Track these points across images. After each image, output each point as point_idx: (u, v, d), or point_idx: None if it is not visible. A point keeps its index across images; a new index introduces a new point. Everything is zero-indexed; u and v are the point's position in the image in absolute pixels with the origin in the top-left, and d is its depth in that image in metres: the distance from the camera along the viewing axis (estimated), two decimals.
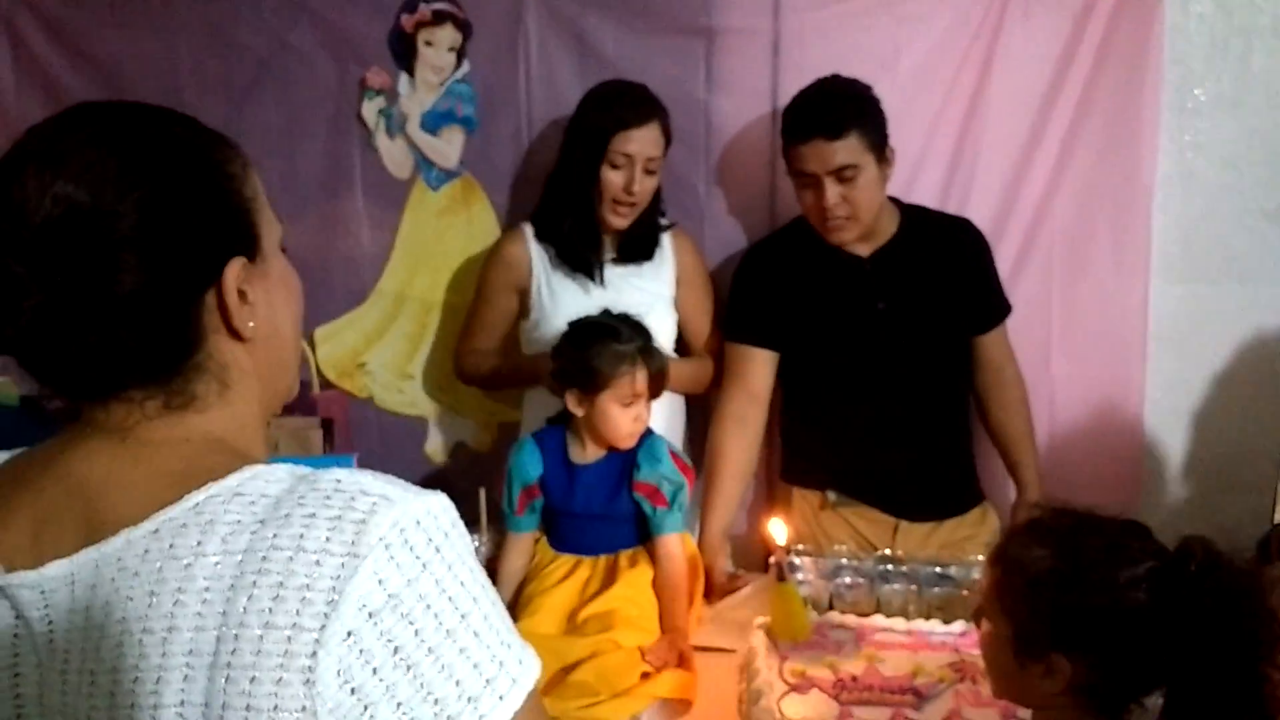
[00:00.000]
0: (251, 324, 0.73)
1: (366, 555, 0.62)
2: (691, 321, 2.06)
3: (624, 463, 1.71)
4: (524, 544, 1.74)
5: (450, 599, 0.64)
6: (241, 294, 0.72)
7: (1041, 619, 1.02)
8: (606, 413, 1.66)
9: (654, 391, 1.70)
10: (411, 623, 0.62)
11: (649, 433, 1.72)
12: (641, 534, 1.71)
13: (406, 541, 0.63)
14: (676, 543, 1.69)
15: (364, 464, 1.83)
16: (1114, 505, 1.99)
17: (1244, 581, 0.98)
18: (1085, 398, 2.12)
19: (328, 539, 0.62)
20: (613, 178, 1.89)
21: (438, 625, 0.63)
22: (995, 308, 2.03)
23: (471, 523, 1.77)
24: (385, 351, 2.29)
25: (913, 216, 1.99)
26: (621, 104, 1.90)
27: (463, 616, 0.64)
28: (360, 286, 2.28)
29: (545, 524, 1.76)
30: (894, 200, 1.98)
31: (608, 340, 1.67)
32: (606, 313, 1.76)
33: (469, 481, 1.85)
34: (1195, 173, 2.07)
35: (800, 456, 2.06)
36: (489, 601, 0.67)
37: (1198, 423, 2.13)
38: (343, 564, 0.62)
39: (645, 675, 1.51)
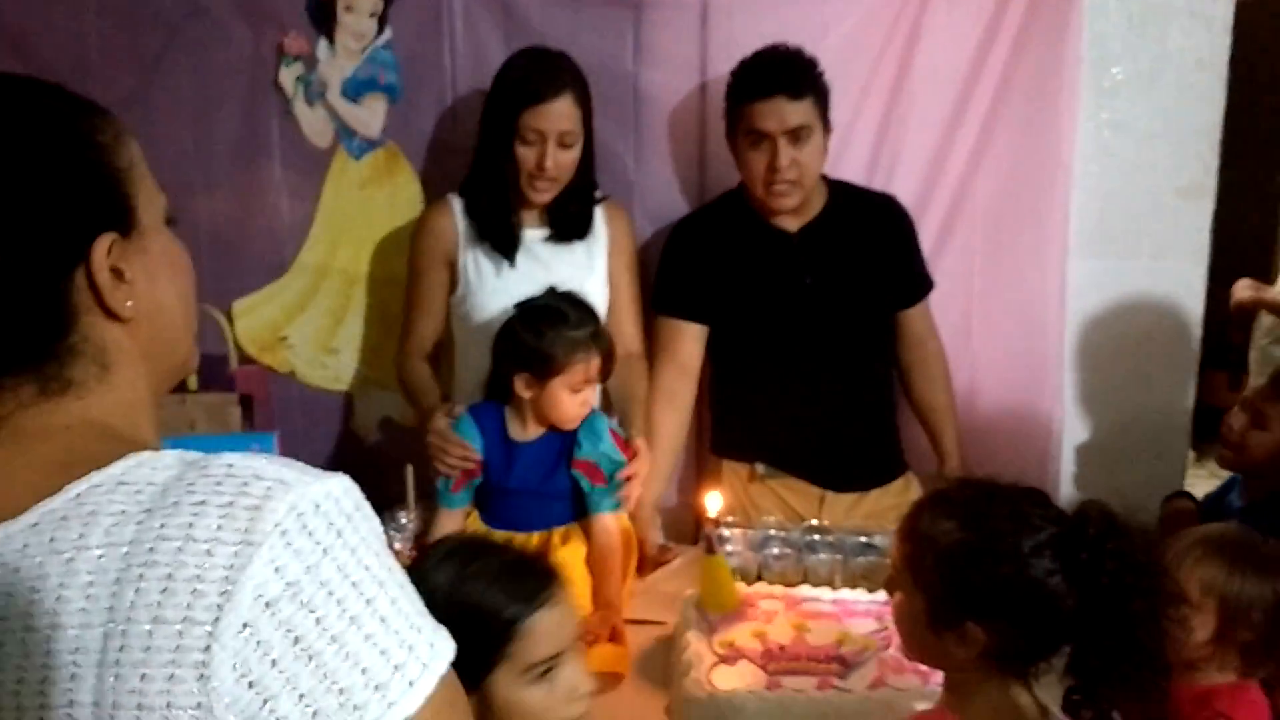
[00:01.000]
0: (130, 303, 0.70)
1: (261, 543, 0.59)
2: (612, 296, 2.02)
3: (564, 441, 1.71)
4: (455, 520, 1.73)
5: (354, 584, 0.61)
6: (117, 272, 0.69)
7: (953, 590, 1.05)
8: (556, 397, 1.66)
9: (604, 375, 1.70)
10: (312, 611, 0.60)
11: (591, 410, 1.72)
12: (576, 510, 1.72)
13: (305, 527, 0.61)
14: (612, 520, 1.70)
15: (286, 441, 1.81)
16: (1032, 476, 2.07)
17: (1139, 542, 1.03)
18: (1004, 370, 2.16)
19: (219, 527, 0.59)
20: (525, 154, 1.84)
21: (341, 612, 0.60)
22: (918, 283, 2.06)
23: (399, 499, 1.75)
24: (307, 326, 2.22)
25: (840, 192, 2.01)
26: (530, 78, 1.84)
27: (368, 602, 0.62)
28: (280, 259, 2.20)
29: (478, 500, 1.75)
30: (822, 176, 2.00)
31: (560, 326, 1.66)
32: (552, 292, 1.75)
33: (396, 455, 1.82)
34: (1113, 150, 2.12)
35: (730, 429, 2.08)
36: (396, 585, 0.64)
37: (1112, 394, 2.20)
38: (236, 553, 0.59)
39: None
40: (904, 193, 2.10)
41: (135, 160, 0.72)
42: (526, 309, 1.72)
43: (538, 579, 1.09)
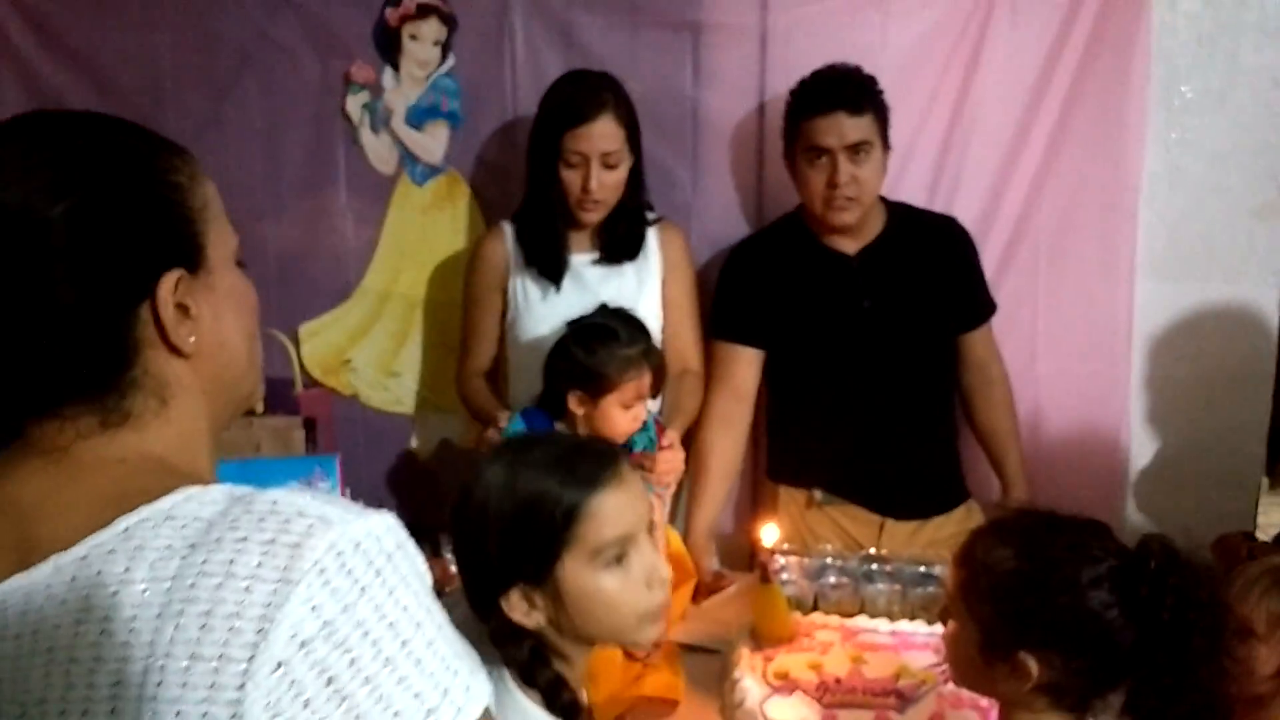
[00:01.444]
0: (192, 339, 0.71)
1: (299, 581, 0.59)
2: (671, 316, 2.02)
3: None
4: None
5: (391, 625, 0.62)
6: (183, 308, 0.70)
7: (1007, 619, 1.03)
8: (608, 414, 1.68)
9: (655, 391, 1.72)
10: (347, 651, 0.60)
11: None
12: None
13: (344, 565, 0.61)
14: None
15: (348, 463, 1.84)
16: (1099, 503, 2.02)
17: (1201, 578, 1.00)
18: (1070, 396, 2.12)
19: (259, 564, 0.60)
20: (570, 176, 1.86)
21: (376, 653, 0.61)
22: (980, 306, 2.03)
23: None
24: (370, 348, 2.28)
25: (899, 214, 1.99)
26: (570, 100, 1.86)
27: (404, 643, 0.62)
28: (344, 283, 2.26)
29: None
30: (880, 198, 1.98)
31: (611, 344, 1.68)
32: (604, 309, 1.77)
33: (455, 477, 1.84)
34: (1182, 170, 2.07)
35: (787, 455, 2.06)
36: (434, 626, 0.64)
37: (1182, 421, 2.13)
38: (274, 590, 0.59)
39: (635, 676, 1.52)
40: (966, 214, 2.07)
41: (209, 200, 0.74)
42: (579, 327, 1.74)
43: (597, 459, 1.04)
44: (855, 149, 1.84)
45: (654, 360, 1.71)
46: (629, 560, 1.03)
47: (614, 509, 1.02)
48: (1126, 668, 1.01)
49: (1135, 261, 2.07)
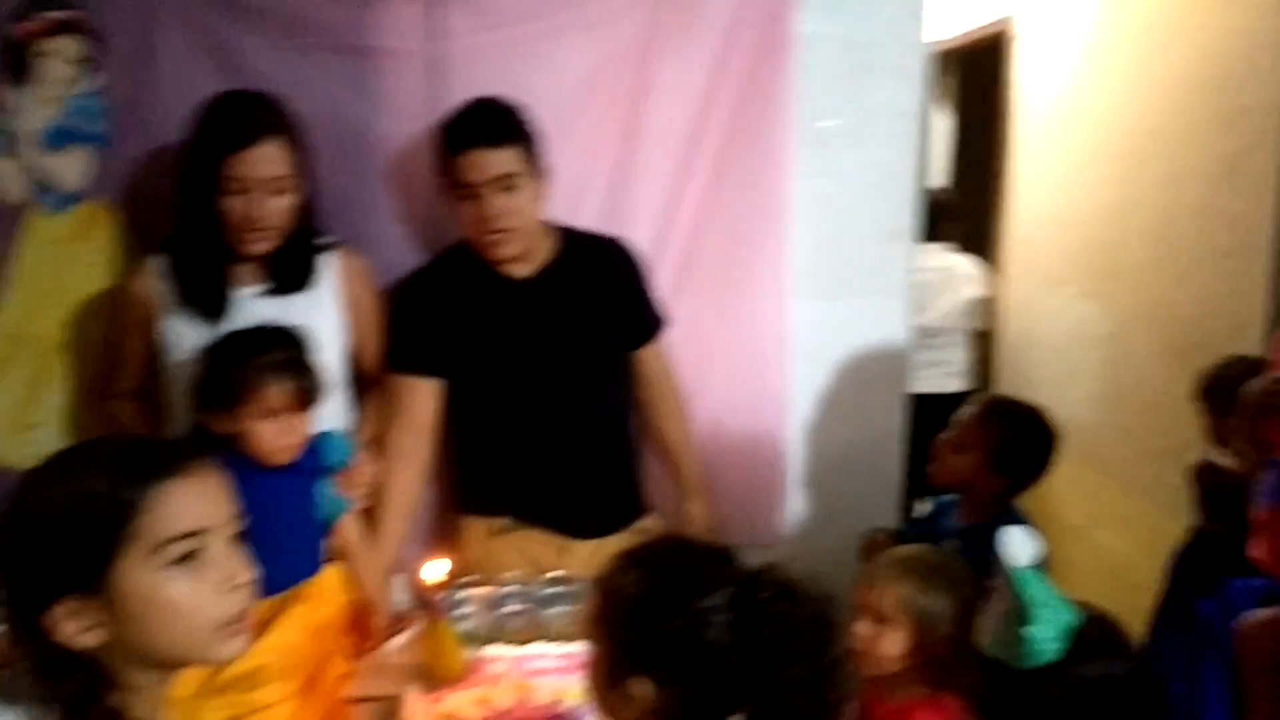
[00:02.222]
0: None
1: None
2: (364, 350, 1.98)
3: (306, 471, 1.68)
4: None
5: None
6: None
7: (624, 645, 1.06)
8: (254, 430, 1.60)
9: (303, 403, 1.63)
10: None
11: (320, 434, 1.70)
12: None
13: None
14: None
15: None
16: (762, 504, 2.16)
17: (814, 607, 1.05)
18: (737, 407, 2.26)
19: None
20: (232, 204, 1.74)
21: None
22: (649, 323, 2.12)
23: None
24: (3, 399, 2.03)
25: (570, 238, 2.04)
26: (228, 123, 1.75)
27: None
28: None
29: None
30: (553, 224, 2.02)
31: (239, 353, 1.60)
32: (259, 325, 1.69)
33: None
34: (826, 197, 2.27)
35: (474, 485, 2.05)
36: None
37: (834, 425, 2.34)
38: None
39: None
40: (641, 240, 2.16)
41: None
42: (214, 341, 1.66)
43: (163, 450, 0.95)
44: (500, 182, 1.85)
45: (297, 368, 1.63)
46: (201, 561, 0.91)
47: (180, 502, 0.91)
48: (738, 697, 1.03)
49: (787, 282, 2.24)
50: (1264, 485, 1.54)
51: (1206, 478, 2.05)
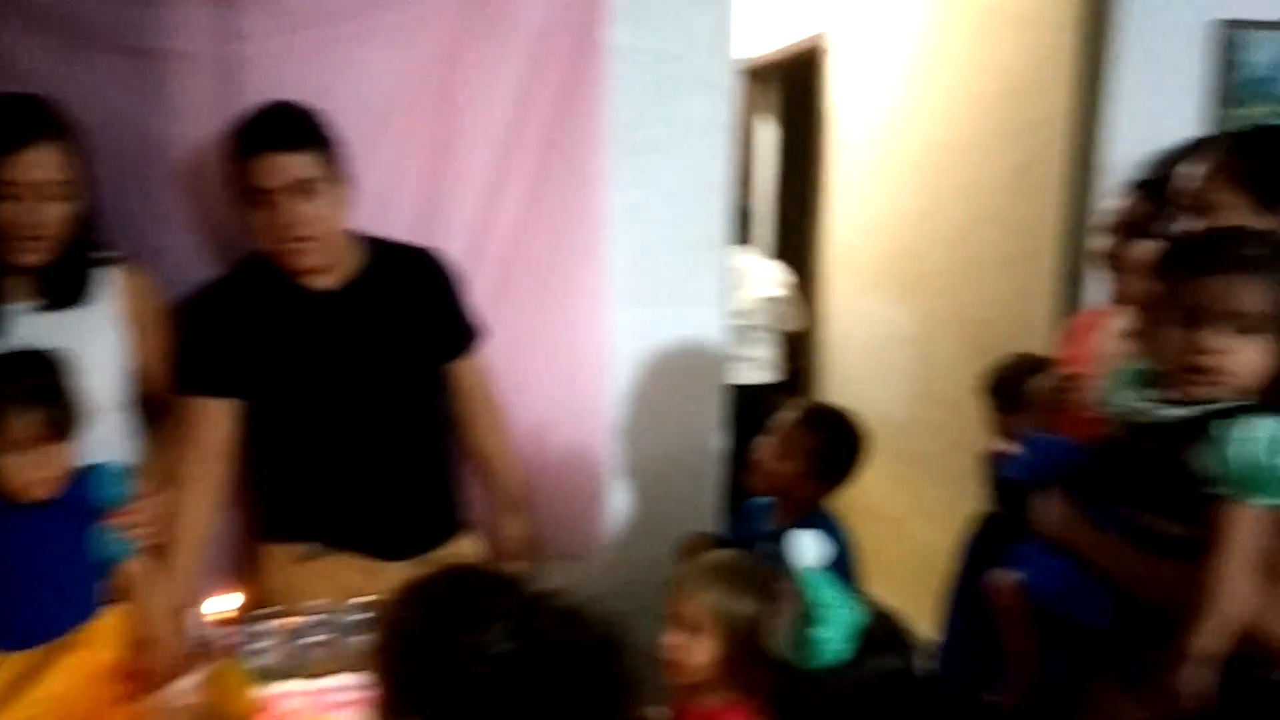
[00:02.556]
0: None
1: None
2: (150, 371, 1.85)
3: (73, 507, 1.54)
4: None
5: None
6: None
7: (396, 681, 1.01)
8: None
9: (57, 433, 1.52)
10: None
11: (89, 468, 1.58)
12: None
13: None
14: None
15: None
16: (586, 510, 2.16)
17: (597, 632, 1.01)
18: (560, 417, 2.24)
19: None
20: (1, 211, 1.63)
21: None
22: (464, 334, 2.06)
23: None
24: None
25: (378, 248, 1.97)
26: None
27: None
28: None
29: None
30: (360, 234, 1.95)
31: None
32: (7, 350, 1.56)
33: None
34: (642, 207, 2.28)
35: (279, 510, 1.95)
36: None
37: (654, 432, 2.36)
38: None
39: None
40: (455, 250, 2.10)
41: None
42: None
43: None
44: (297, 188, 1.78)
45: (47, 394, 1.52)
46: None
47: None
48: None
49: (606, 291, 2.23)
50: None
51: (993, 466, 2.18)
